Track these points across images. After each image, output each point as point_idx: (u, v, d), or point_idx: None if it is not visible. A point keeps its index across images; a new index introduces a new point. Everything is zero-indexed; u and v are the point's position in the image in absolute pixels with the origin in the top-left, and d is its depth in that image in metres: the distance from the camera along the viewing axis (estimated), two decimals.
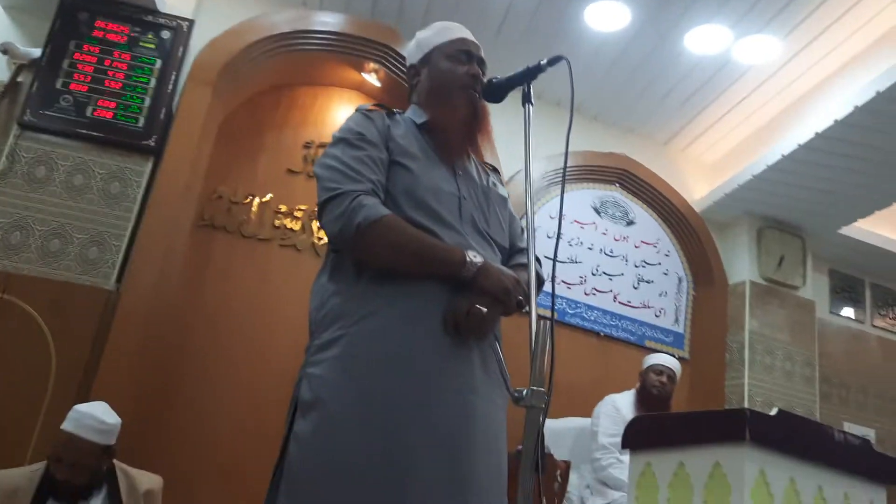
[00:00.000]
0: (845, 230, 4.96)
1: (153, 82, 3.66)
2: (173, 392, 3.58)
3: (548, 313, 1.22)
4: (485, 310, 1.39)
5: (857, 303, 5.40)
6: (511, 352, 1.54)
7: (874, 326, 5.39)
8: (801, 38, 3.94)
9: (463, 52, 1.67)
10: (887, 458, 2.52)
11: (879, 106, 3.66)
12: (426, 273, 1.43)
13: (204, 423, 3.58)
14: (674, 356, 4.56)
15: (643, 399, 3.65)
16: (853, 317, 5.34)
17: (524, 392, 1.15)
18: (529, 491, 1.07)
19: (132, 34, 3.72)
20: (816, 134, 3.97)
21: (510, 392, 1.18)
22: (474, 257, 1.43)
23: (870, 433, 4.99)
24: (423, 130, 1.64)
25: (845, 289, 5.38)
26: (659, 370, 3.69)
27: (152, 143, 3.55)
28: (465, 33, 1.72)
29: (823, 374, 4.98)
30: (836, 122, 3.85)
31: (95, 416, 2.38)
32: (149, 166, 3.54)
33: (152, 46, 3.73)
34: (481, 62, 1.68)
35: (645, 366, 3.78)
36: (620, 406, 3.64)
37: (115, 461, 2.48)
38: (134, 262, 3.32)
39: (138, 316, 3.24)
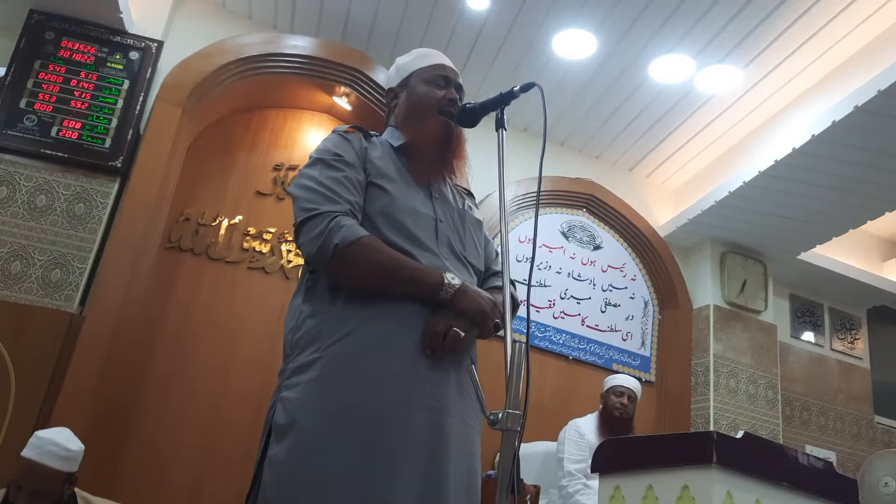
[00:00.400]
0: (805, 256, 5.09)
1: (120, 103, 3.63)
2: (136, 416, 3.51)
3: (522, 338, 1.23)
4: (462, 332, 1.40)
5: (816, 326, 5.52)
6: (482, 375, 1.55)
7: (833, 350, 5.52)
8: (760, 68, 4.07)
9: (441, 77, 1.70)
10: (848, 479, 2.57)
11: (835, 135, 3.78)
12: (404, 294, 1.43)
13: (168, 447, 3.51)
14: (640, 379, 4.63)
15: (605, 421, 3.68)
16: (813, 340, 5.47)
17: (500, 415, 1.15)
18: None
19: (99, 54, 3.69)
20: (776, 161, 4.08)
21: (486, 415, 1.19)
22: (452, 279, 1.44)
23: (831, 455, 5.09)
24: (400, 153, 1.66)
25: (805, 313, 5.51)
26: (619, 391, 3.72)
27: (119, 164, 3.50)
28: (445, 60, 1.75)
29: (786, 396, 5.07)
30: (794, 149, 3.96)
31: (58, 443, 2.32)
32: (115, 187, 3.49)
33: (120, 67, 3.70)
34: (459, 88, 1.71)
35: (605, 388, 3.81)
36: (584, 430, 3.66)
37: (76, 489, 2.41)
38: (98, 285, 3.26)
39: (102, 339, 3.17)
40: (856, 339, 5.64)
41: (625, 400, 3.69)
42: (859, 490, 2.59)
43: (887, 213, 4.52)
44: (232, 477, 3.51)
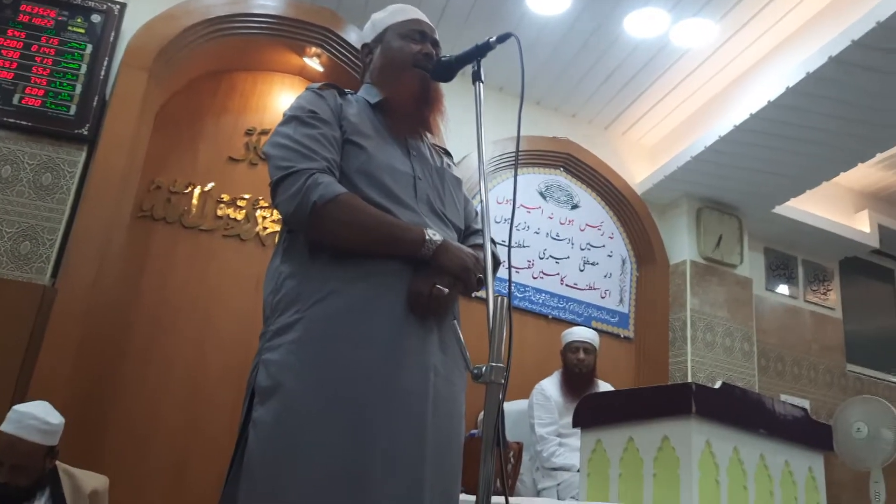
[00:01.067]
0: (779, 209, 5.14)
1: (84, 68, 3.52)
2: (115, 388, 3.48)
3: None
4: (446, 290, 1.39)
5: (790, 279, 5.61)
6: (464, 335, 1.55)
7: (807, 301, 5.62)
8: (735, 20, 4.04)
9: (417, 32, 1.67)
10: (823, 425, 2.63)
11: (809, 87, 3.79)
12: (384, 252, 1.41)
13: (148, 418, 3.49)
14: (619, 335, 4.68)
15: (567, 379, 3.72)
16: (787, 293, 5.55)
17: (483, 369, 1.15)
18: (492, 466, 1.07)
19: (60, 18, 3.57)
20: (751, 115, 4.09)
21: (470, 369, 1.18)
22: (434, 235, 1.43)
23: (805, 404, 5.21)
24: (377, 110, 1.63)
25: (780, 266, 5.59)
26: (574, 347, 3.75)
27: (85, 132, 3.41)
28: (421, 15, 1.72)
29: (761, 348, 5.17)
30: (769, 103, 3.96)
31: (38, 416, 2.29)
32: (82, 156, 3.41)
33: (82, 31, 3.58)
34: (435, 43, 1.68)
35: (562, 344, 3.83)
36: (549, 392, 3.70)
37: (57, 462, 2.39)
38: (70, 257, 3.20)
39: (76, 311, 3.12)
40: (828, 291, 5.74)
41: (581, 355, 3.72)
42: (833, 435, 2.65)
43: (860, 165, 4.57)
44: (216, 448, 3.51)
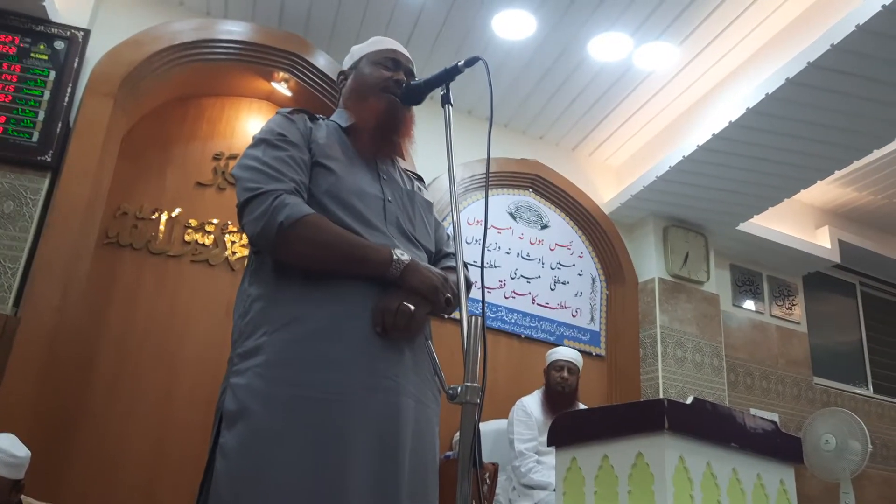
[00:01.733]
0: (743, 226, 5.24)
1: (47, 95, 3.48)
2: (81, 416, 3.40)
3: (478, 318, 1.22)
4: (413, 307, 1.38)
5: (756, 294, 5.70)
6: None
7: (773, 316, 5.71)
8: (695, 44, 4.15)
9: (390, 60, 1.69)
10: (793, 438, 2.67)
11: (768, 108, 3.89)
12: (352, 272, 1.41)
13: (114, 447, 3.41)
14: (590, 353, 4.70)
15: (550, 397, 3.73)
16: (754, 308, 5.64)
17: (458, 389, 1.15)
18: (469, 487, 1.07)
19: (22, 45, 3.53)
20: (714, 135, 4.18)
21: (445, 390, 1.18)
22: (401, 255, 1.43)
23: (774, 417, 5.28)
24: (348, 134, 1.64)
25: (745, 282, 5.68)
26: (559, 366, 3.77)
27: (48, 159, 3.36)
28: (398, 47, 1.74)
29: (730, 363, 5.24)
30: (730, 123, 4.06)
31: (3, 450, 2.24)
32: (45, 183, 3.35)
33: (45, 58, 3.54)
34: (409, 73, 1.70)
35: (547, 363, 3.85)
36: (530, 409, 3.70)
37: (22, 497, 2.32)
38: (33, 285, 3.13)
39: (40, 341, 3.05)
40: (793, 306, 5.85)
41: (565, 374, 3.74)
42: (802, 448, 2.69)
43: (819, 182, 4.69)
44: (185, 475, 3.44)
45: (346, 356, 1.35)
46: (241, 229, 1.47)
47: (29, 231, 3.24)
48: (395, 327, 1.38)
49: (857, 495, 4.36)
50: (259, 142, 1.51)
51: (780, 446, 2.55)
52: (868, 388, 6.07)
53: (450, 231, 1.55)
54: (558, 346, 4.36)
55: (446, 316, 3.87)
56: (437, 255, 1.71)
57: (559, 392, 3.71)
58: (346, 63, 1.77)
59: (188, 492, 3.37)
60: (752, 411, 5.21)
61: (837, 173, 4.69)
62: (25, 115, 3.41)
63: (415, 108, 1.70)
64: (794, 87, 3.71)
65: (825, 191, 5.59)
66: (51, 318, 3.11)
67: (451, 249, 1.73)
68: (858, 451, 4.18)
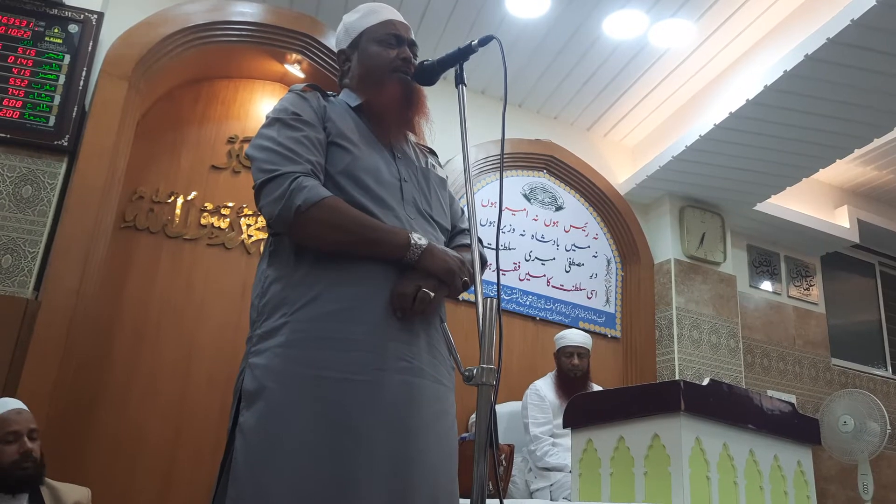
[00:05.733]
0: (760, 206, 5.18)
1: (62, 79, 3.49)
2: (100, 399, 3.44)
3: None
4: (432, 294, 1.39)
5: (773, 275, 5.66)
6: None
7: (790, 297, 5.67)
8: (712, 21, 4.08)
9: (392, 36, 1.65)
10: (811, 419, 2.65)
11: (786, 85, 3.83)
12: (370, 255, 1.41)
13: (133, 429, 3.46)
14: (605, 335, 4.69)
15: (562, 380, 3.72)
16: (771, 289, 5.60)
17: (474, 370, 1.15)
18: (485, 468, 1.07)
19: (36, 28, 3.53)
20: (730, 114, 4.13)
21: (461, 371, 1.18)
22: (419, 239, 1.42)
23: (791, 398, 5.26)
24: (359, 112, 1.62)
25: (763, 262, 5.64)
26: (569, 352, 3.75)
27: (65, 143, 3.38)
28: (394, 15, 1.69)
29: (746, 344, 5.21)
30: (747, 101, 4.01)
31: (7, 399, 2.46)
32: (63, 167, 3.37)
33: (59, 41, 3.55)
34: (412, 44, 1.67)
35: (556, 347, 3.84)
36: (544, 392, 3.71)
37: (45, 479, 2.39)
38: (52, 269, 3.16)
39: (60, 324, 3.08)
40: (811, 286, 5.80)
41: (575, 360, 3.72)
42: (820, 429, 2.68)
43: (838, 161, 4.63)
44: (203, 456, 3.49)
45: (364, 337, 1.35)
46: (258, 211, 1.47)
47: (47, 215, 3.27)
48: (414, 312, 1.39)
49: (875, 477, 4.34)
50: (273, 121, 1.50)
51: (797, 428, 2.54)
52: (887, 369, 6.03)
53: (464, 208, 1.54)
54: (574, 328, 4.34)
55: (461, 298, 3.86)
56: (453, 231, 1.70)
57: (571, 377, 3.71)
58: (343, 39, 1.70)
59: (207, 473, 3.41)
60: (769, 393, 5.20)
61: (857, 152, 4.63)
62: (41, 100, 3.42)
63: (427, 89, 1.67)
64: (814, 64, 3.65)
65: (844, 169, 5.51)
66: (70, 301, 3.14)
67: (466, 225, 1.72)
68: (877, 433, 4.16)
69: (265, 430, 1.29)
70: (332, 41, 4.07)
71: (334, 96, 1.64)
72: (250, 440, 1.30)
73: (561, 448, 3.49)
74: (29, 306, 3.08)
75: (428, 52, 1.74)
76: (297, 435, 1.27)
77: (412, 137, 1.71)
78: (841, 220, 5.65)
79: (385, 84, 1.60)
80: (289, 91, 1.58)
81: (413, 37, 1.69)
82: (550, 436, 3.58)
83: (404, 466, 1.31)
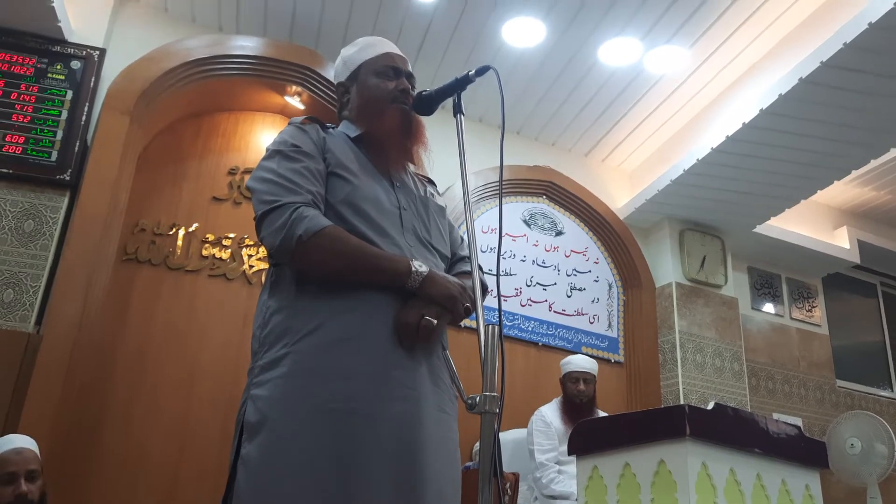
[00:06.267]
0: (760, 228, 5.20)
1: (65, 114, 3.53)
2: (102, 431, 3.42)
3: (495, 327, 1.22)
4: (435, 321, 1.39)
5: (775, 297, 5.65)
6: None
7: (792, 319, 5.65)
8: (706, 46, 4.13)
9: (390, 68, 1.68)
10: (818, 442, 2.63)
11: (782, 108, 3.87)
12: (371, 284, 1.41)
13: (136, 461, 3.43)
14: (609, 360, 4.67)
15: (568, 406, 3.70)
16: (773, 311, 5.59)
17: (477, 398, 1.14)
18: (490, 496, 1.06)
19: (39, 65, 3.58)
20: (727, 137, 4.16)
21: (464, 399, 1.17)
22: (420, 266, 1.43)
23: (797, 421, 5.22)
24: (358, 143, 1.64)
25: (764, 284, 5.63)
26: (574, 378, 3.73)
27: (67, 178, 3.41)
28: (391, 48, 1.73)
29: (751, 367, 5.18)
30: (744, 124, 4.04)
31: (14, 438, 2.43)
32: (65, 201, 3.39)
33: (62, 77, 3.59)
34: (410, 76, 1.70)
35: (562, 373, 3.82)
36: (549, 418, 3.68)
37: None
38: (54, 303, 3.16)
39: (61, 358, 3.08)
40: (813, 307, 5.79)
41: (581, 386, 3.70)
42: (827, 452, 2.65)
43: (836, 182, 4.65)
44: (205, 487, 3.45)
45: (367, 366, 1.35)
46: (260, 242, 1.48)
47: (49, 249, 3.28)
48: (416, 339, 1.39)
49: (885, 499, 4.29)
50: (273, 153, 1.52)
51: (804, 451, 2.52)
52: (892, 390, 5.99)
53: (464, 236, 1.55)
54: (577, 353, 4.33)
55: (462, 325, 3.84)
56: (453, 259, 1.71)
57: (577, 403, 3.68)
58: (341, 71, 1.73)
59: (210, 494, 3.39)
60: (775, 416, 5.16)
61: (855, 173, 4.65)
62: (44, 135, 3.46)
63: (426, 118, 1.70)
64: (808, 87, 3.69)
65: (843, 190, 5.53)
66: (71, 334, 3.14)
67: (466, 252, 1.74)
68: (885, 455, 4.12)
69: (268, 463, 1.28)
70: (332, 73, 4.13)
71: (333, 128, 1.66)
72: (253, 472, 1.29)
73: (566, 476, 3.46)
74: (31, 340, 3.08)
75: (426, 82, 1.77)
76: (300, 467, 1.26)
77: (411, 168, 1.73)
78: (841, 241, 5.66)
79: (384, 114, 1.63)
80: (288, 124, 1.61)
81: (410, 69, 1.72)
82: (556, 462, 3.54)
83: (409, 497, 1.30)
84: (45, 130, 3.47)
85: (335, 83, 1.77)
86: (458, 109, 1.53)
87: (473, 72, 1.53)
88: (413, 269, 1.42)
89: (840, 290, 6.10)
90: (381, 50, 1.70)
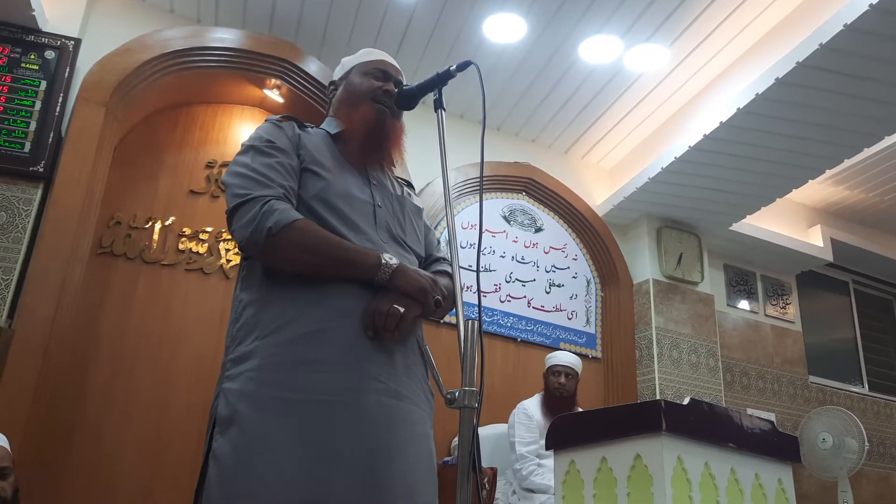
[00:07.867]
0: (736, 226, 5.26)
1: (38, 105, 3.47)
2: (76, 428, 3.38)
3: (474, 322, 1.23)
4: (402, 309, 1.39)
5: (750, 294, 5.72)
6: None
7: (767, 316, 5.73)
8: (685, 45, 4.16)
9: (379, 71, 1.70)
10: (790, 437, 2.67)
11: (759, 108, 3.91)
12: (341, 277, 1.41)
13: (111, 456, 3.40)
14: (587, 356, 4.71)
15: (549, 402, 3.75)
16: (748, 308, 5.66)
17: (456, 393, 1.15)
18: (468, 491, 1.06)
19: (12, 55, 3.52)
20: (704, 136, 4.20)
21: (443, 394, 1.18)
22: (390, 259, 1.43)
23: (770, 416, 5.29)
24: (337, 140, 1.65)
25: (739, 282, 5.70)
26: (557, 371, 3.79)
27: (41, 169, 3.35)
28: (389, 59, 1.75)
29: (725, 363, 5.25)
30: (721, 123, 4.08)
31: None
32: (38, 193, 3.34)
33: (35, 67, 3.53)
34: (399, 84, 1.71)
35: (546, 367, 3.87)
36: (531, 412, 3.72)
37: None
38: (27, 296, 3.11)
39: (34, 352, 3.03)
40: (787, 305, 5.87)
41: (562, 379, 3.75)
42: (799, 447, 2.69)
43: (810, 181, 4.71)
44: (181, 482, 3.43)
45: (337, 359, 1.35)
46: (230, 234, 1.48)
47: (22, 242, 3.23)
48: (385, 329, 1.38)
49: (855, 493, 4.37)
50: (248, 148, 1.52)
51: (777, 445, 2.56)
52: (863, 386, 6.09)
53: (443, 236, 1.55)
54: (555, 349, 4.36)
55: (441, 321, 3.84)
56: (428, 260, 1.72)
57: (557, 397, 3.72)
58: (337, 74, 1.78)
59: (185, 499, 3.35)
60: (749, 411, 5.23)
61: (829, 172, 4.71)
62: (17, 126, 3.40)
63: (407, 114, 1.71)
64: (784, 87, 3.73)
65: (817, 189, 5.61)
66: (45, 329, 3.10)
67: (442, 254, 1.75)
68: (855, 450, 4.19)
69: (239, 456, 1.27)
70: (311, 66, 4.13)
71: (313, 127, 1.67)
72: (224, 466, 1.28)
73: (546, 469, 3.49)
74: (2, 335, 3.03)
75: (407, 76, 1.77)
76: (271, 459, 1.26)
77: (389, 170, 1.74)
78: (815, 240, 5.75)
79: (359, 108, 1.64)
80: (265, 121, 1.62)
81: (403, 80, 1.73)
82: (536, 456, 3.57)
83: (383, 490, 1.30)
84: (18, 121, 3.41)
85: (328, 83, 1.80)
86: (438, 105, 1.53)
87: (455, 67, 1.53)
88: (383, 261, 1.42)
89: (813, 288, 6.20)
90: (377, 57, 1.74)
